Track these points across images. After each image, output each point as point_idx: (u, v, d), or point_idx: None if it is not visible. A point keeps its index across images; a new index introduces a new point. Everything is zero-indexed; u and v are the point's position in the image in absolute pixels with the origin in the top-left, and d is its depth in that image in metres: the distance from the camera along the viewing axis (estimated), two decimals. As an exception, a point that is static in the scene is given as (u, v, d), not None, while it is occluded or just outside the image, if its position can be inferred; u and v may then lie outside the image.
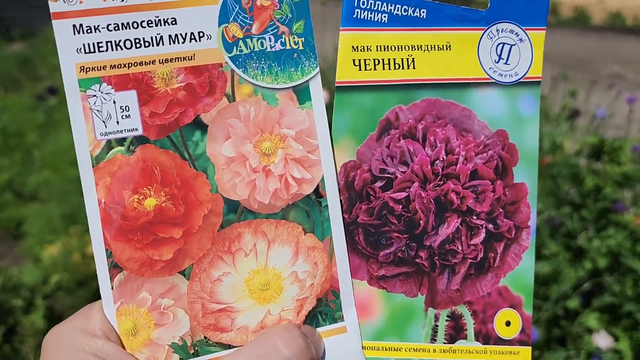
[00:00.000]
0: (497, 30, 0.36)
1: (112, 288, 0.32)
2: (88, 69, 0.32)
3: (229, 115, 0.33)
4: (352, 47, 0.34)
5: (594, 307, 1.24)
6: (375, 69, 0.35)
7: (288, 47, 0.34)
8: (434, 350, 0.36)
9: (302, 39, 0.34)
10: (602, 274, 1.18)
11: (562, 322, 1.31)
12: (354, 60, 0.35)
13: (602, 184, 1.19)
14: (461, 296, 0.36)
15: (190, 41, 0.33)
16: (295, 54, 0.34)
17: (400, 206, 0.35)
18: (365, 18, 0.34)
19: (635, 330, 1.15)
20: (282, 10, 0.33)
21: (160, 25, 0.32)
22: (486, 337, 0.36)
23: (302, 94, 0.34)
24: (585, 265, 1.22)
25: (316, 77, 0.34)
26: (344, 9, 0.34)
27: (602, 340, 1.16)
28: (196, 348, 0.33)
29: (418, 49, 0.35)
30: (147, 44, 0.32)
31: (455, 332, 0.36)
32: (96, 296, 0.33)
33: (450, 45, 0.35)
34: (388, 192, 0.35)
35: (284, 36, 0.34)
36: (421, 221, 0.35)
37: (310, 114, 0.34)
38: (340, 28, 0.34)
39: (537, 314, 1.27)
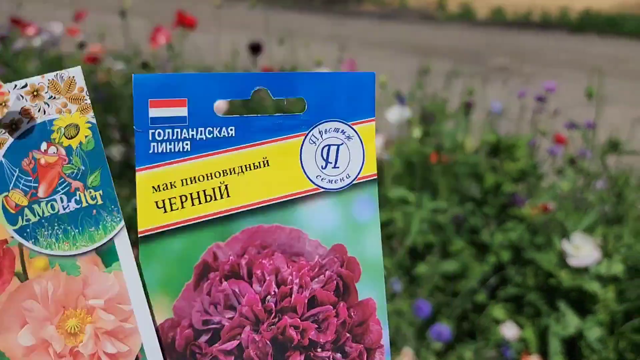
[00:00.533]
0: (319, 132, 0.31)
1: None
2: None
3: (23, 297, 0.29)
4: (153, 187, 0.30)
5: (499, 299, 1.28)
6: (183, 207, 0.30)
7: (85, 204, 0.29)
8: None
9: (100, 191, 0.29)
10: (505, 267, 1.22)
11: (471, 315, 1.34)
12: (156, 202, 0.30)
13: (501, 179, 1.23)
14: None
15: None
16: (94, 210, 0.29)
17: (233, 357, 0.30)
18: (164, 151, 0.30)
19: (538, 317, 1.20)
20: (72, 164, 0.29)
21: None
22: None
23: (107, 255, 0.29)
24: (490, 259, 1.25)
25: (121, 232, 0.29)
26: (137, 145, 0.29)
27: (508, 330, 1.20)
28: None
29: (231, 173, 0.30)
30: None
31: None
32: None
33: (267, 161, 0.31)
34: (216, 346, 0.30)
35: (78, 193, 0.29)
36: (259, 370, 0.30)
37: (119, 277, 0.29)
38: (136, 169, 0.29)
39: (449, 310, 1.29)
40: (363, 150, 0.32)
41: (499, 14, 9.10)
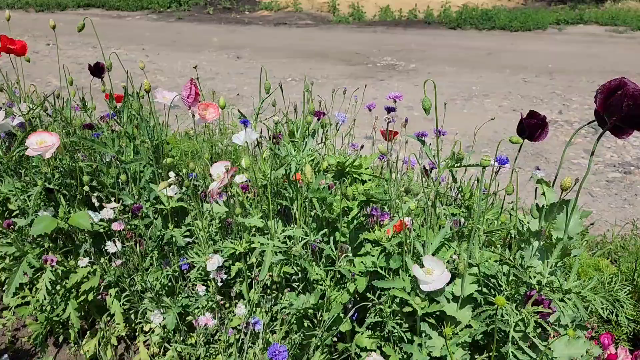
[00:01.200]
0: None
1: None
2: None
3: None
4: None
5: (365, 327, 1.27)
6: None
7: None
8: None
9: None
10: (366, 295, 1.22)
11: (339, 345, 1.33)
12: None
13: (352, 204, 1.23)
14: None
15: None
16: None
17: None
18: None
19: (402, 343, 1.20)
20: None
21: None
22: None
23: None
24: (350, 287, 1.25)
25: None
26: None
27: (375, 359, 1.19)
28: None
29: None
30: None
31: None
32: None
33: None
34: None
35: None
36: None
37: None
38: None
39: (315, 341, 1.26)
40: None
41: (386, 13, 9.43)
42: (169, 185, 1.56)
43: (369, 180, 1.22)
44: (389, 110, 1.52)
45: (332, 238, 1.33)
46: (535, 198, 1.17)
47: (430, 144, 1.25)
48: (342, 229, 1.26)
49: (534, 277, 1.05)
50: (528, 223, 1.20)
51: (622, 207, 2.59)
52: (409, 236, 1.22)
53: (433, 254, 1.22)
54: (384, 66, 5.78)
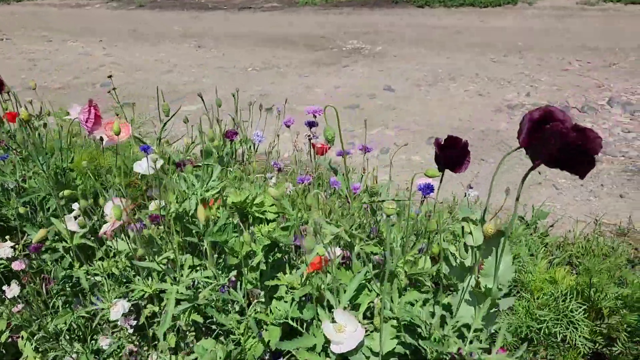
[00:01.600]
0: None
1: None
2: None
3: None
4: None
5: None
6: None
7: None
8: None
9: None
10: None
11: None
12: None
13: (256, 247, 1.06)
14: None
15: None
16: None
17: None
18: None
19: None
20: None
21: None
22: None
23: None
24: (266, 337, 1.09)
25: None
26: None
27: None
28: None
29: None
30: None
31: None
32: None
33: None
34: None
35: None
36: None
37: None
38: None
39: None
40: None
41: (355, -9, 9.12)
42: (75, 218, 1.38)
43: (275, 218, 1.05)
44: (310, 125, 1.34)
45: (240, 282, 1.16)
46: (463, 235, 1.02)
47: (361, 168, 1.08)
48: (249, 275, 1.10)
49: (455, 343, 0.89)
50: (457, 260, 1.05)
51: (588, 200, 2.46)
52: (323, 280, 1.05)
53: (350, 301, 1.06)
54: (349, 50, 5.56)
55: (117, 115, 2.03)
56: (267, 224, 1.04)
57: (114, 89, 1.78)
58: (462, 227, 1.05)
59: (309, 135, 1.32)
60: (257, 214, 1.04)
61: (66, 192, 1.31)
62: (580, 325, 1.42)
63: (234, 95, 1.61)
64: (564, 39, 5.59)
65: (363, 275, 1.06)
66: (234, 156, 1.62)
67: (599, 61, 4.61)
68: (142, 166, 1.31)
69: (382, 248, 1.13)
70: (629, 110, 3.54)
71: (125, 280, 1.44)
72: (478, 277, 0.96)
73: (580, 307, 1.44)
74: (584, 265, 1.71)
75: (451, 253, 1.11)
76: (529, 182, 2.63)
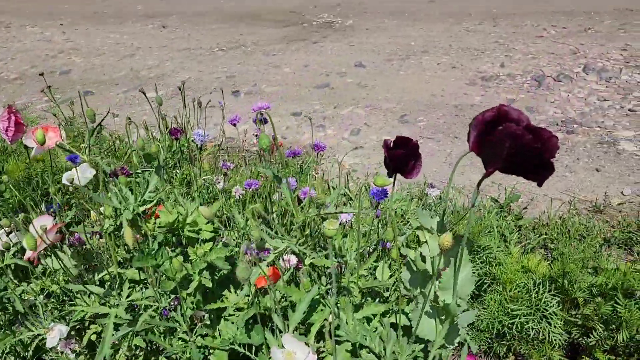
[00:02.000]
0: None
1: None
2: None
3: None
4: None
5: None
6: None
7: None
8: None
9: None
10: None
11: None
12: None
13: (190, 269, 0.96)
14: None
15: None
16: None
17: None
18: None
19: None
20: None
21: None
22: None
23: None
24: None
25: None
26: None
27: None
28: None
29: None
30: None
31: None
32: None
33: None
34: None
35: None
36: None
37: None
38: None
39: None
40: None
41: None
42: (7, 234, 1.25)
43: (212, 238, 0.94)
44: (262, 121, 1.21)
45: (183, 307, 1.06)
46: (419, 245, 0.92)
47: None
48: (188, 300, 0.99)
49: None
50: (417, 267, 0.95)
51: (564, 176, 2.39)
52: (272, 296, 0.95)
53: (303, 321, 0.97)
54: (320, 25, 5.37)
55: (55, 115, 1.88)
56: (203, 244, 0.94)
57: (49, 86, 1.62)
58: (417, 237, 0.96)
59: (256, 134, 1.20)
60: (191, 234, 0.93)
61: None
62: (554, 319, 1.35)
63: (180, 89, 1.47)
64: (539, 3, 5.46)
65: (315, 294, 0.96)
66: (181, 155, 1.49)
67: (574, 26, 4.50)
68: (71, 177, 1.18)
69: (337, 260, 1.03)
70: (604, 77, 3.46)
71: (68, 298, 1.33)
72: (436, 290, 0.87)
73: (554, 300, 1.37)
74: (559, 250, 1.64)
75: (411, 260, 1.02)
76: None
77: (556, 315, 1.36)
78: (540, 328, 1.36)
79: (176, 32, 5.64)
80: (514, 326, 1.39)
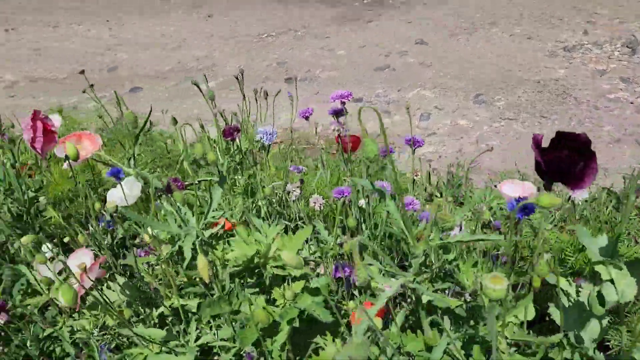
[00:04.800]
0: None
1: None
2: None
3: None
4: None
5: None
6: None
7: None
8: None
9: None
10: None
11: None
12: None
13: (277, 317, 0.72)
14: None
15: None
16: None
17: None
18: None
19: None
20: None
21: None
22: None
23: None
24: None
25: None
26: None
27: None
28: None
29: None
30: None
31: None
32: None
33: None
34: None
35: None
36: None
37: None
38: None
39: None
40: None
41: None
42: (44, 262, 1.06)
43: (303, 275, 0.69)
44: (337, 114, 0.96)
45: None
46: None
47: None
48: (275, 354, 0.75)
49: None
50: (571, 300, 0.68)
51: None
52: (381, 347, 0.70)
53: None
54: (372, 2, 5.03)
55: (101, 117, 1.69)
56: (292, 282, 0.70)
57: (91, 85, 1.42)
58: (598, 273, 0.67)
59: (337, 130, 0.95)
60: (275, 272, 0.69)
61: (24, 239, 0.98)
62: None
63: (237, 78, 1.23)
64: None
65: (443, 348, 0.70)
66: (242, 156, 1.25)
67: (665, -17, 3.95)
68: (117, 194, 0.96)
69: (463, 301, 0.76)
70: None
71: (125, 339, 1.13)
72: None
73: None
74: None
75: (563, 290, 0.75)
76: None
77: None
78: None
79: (222, 19, 5.45)
80: None
